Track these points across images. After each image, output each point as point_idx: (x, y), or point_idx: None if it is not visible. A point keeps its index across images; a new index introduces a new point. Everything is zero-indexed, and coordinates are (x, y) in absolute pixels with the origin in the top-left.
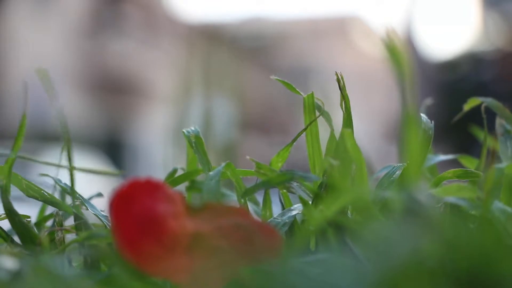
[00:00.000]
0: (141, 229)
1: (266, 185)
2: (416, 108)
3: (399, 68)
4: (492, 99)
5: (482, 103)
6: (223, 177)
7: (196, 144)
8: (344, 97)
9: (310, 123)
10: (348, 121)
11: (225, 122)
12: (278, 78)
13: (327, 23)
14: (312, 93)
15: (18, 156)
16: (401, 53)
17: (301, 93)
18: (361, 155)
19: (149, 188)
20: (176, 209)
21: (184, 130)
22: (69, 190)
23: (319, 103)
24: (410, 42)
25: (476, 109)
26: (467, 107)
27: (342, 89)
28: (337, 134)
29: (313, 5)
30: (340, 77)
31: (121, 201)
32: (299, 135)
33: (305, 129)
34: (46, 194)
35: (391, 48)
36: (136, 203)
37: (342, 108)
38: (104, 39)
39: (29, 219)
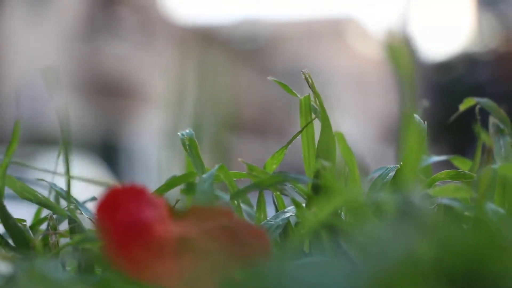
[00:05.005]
0: (127, 235)
1: (257, 187)
2: (415, 110)
3: (400, 69)
4: (487, 100)
5: (477, 103)
6: (217, 180)
7: (190, 147)
8: (315, 94)
9: (306, 125)
10: (324, 119)
11: (219, 124)
12: (275, 79)
13: (322, 25)
14: (309, 95)
15: (13, 162)
16: (404, 55)
17: (297, 94)
18: (353, 157)
19: (133, 194)
20: (160, 214)
21: (179, 133)
22: (64, 194)
23: (315, 105)
24: (404, 43)
25: (471, 110)
26: (462, 107)
27: (311, 87)
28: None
29: (307, 7)
30: (308, 76)
31: (105, 209)
32: (294, 137)
33: (301, 131)
34: (40, 196)
35: (393, 50)
36: (120, 210)
37: (316, 106)
38: (99, 42)
39: (24, 223)
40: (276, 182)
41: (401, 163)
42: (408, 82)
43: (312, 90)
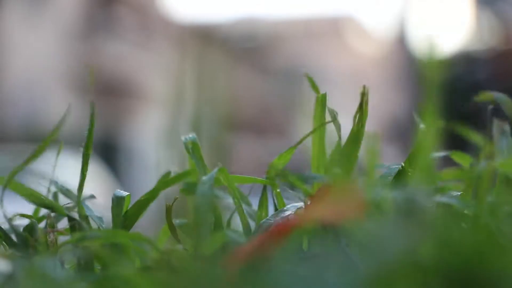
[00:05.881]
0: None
1: (291, 187)
2: (434, 110)
3: (429, 69)
4: (502, 94)
5: (476, 102)
6: (216, 183)
7: (192, 149)
8: (363, 112)
9: (320, 126)
10: (359, 133)
11: (217, 123)
12: (306, 74)
13: (321, 24)
14: (325, 94)
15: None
16: (435, 56)
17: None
18: (375, 158)
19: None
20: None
21: (182, 138)
22: (66, 191)
23: (334, 112)
24: (403, 42)
25: (470, 109)
26: (479, 99)
27: (364, 103)
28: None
29: (306, 6)
30: (366, 91)
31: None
32: (305, 137)
33: (313, 131)
34: (43, 198)
35: (426, 50)
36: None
37: (354, 120)
38: (98, 41)
39: (33, 219)
40: (308, 181)
41: (413, 161)
42: (433, 82)
43: (362, 107)
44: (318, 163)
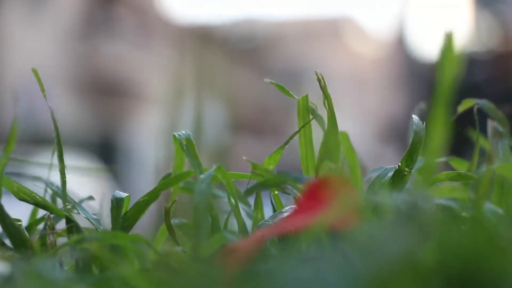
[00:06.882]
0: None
1: (264, 186)
2: (446, 114)
3: (448, 72)
4: (486, 101)
5: (475, 104)
6: (214, 180)
7: (187, 147)
8: (326, 96)
9: (303, 126)
10: (332, 120)
11: (217, 124)
12: (272, 81)
13: (320, 25)
14: (306, 96)
15: (11, 159)
16: (454, 58)
17: (294, 95)
18: (355, 157)
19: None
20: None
21: (175, 134)
22: (60, 193)
23: (313, 106)
24: (402, 43)
25: (469, 110)
26: (461, 108)
27: (323, 88)
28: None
29: (305, 7)
30: (320, 77)
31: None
32: (291, 137)
33: (297, 132)
34: (37, 197)
35: (446, 50)
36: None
37: (325, 107)
38: (97, 41)
39: (20, 223)
40: (283, 181)
41: (409, 162)
42: (447, 85)
43: (323, 92)
44: (307, 163)
